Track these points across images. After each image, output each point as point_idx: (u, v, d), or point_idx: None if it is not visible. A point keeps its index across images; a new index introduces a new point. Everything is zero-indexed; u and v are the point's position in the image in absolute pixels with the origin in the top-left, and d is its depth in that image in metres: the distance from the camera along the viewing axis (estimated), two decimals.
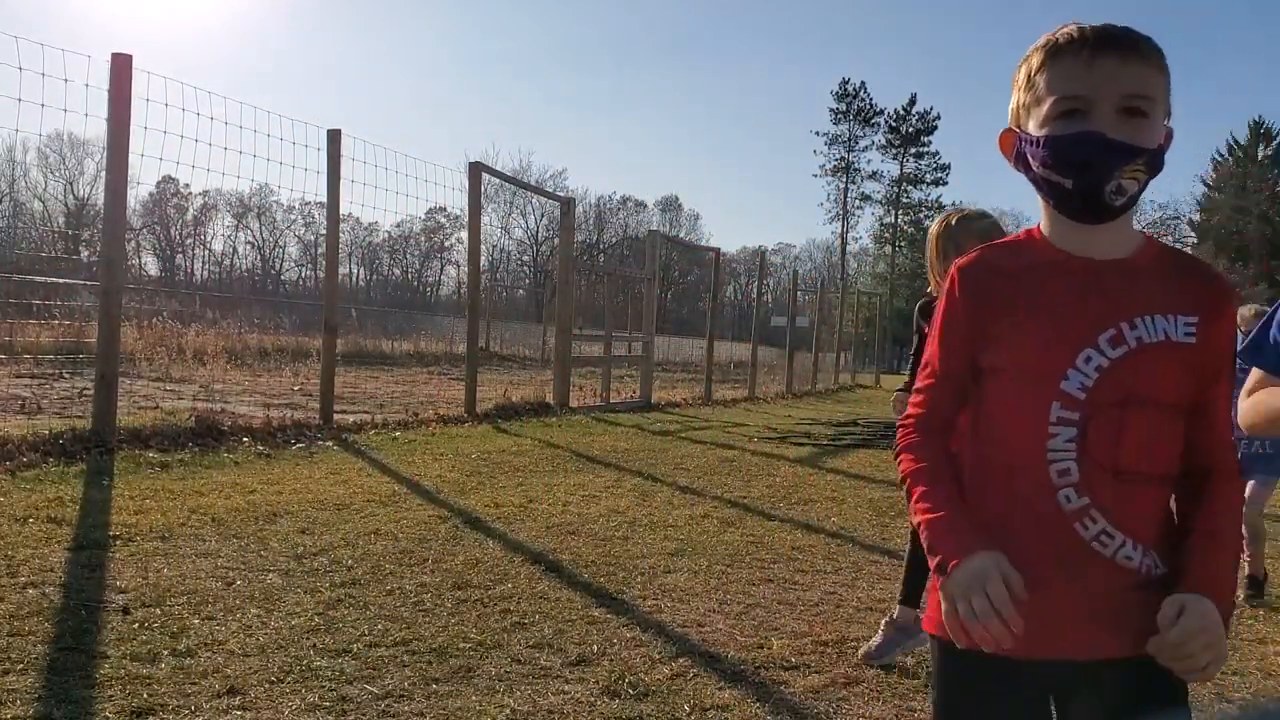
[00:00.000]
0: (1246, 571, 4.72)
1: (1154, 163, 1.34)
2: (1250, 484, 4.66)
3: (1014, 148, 1.41)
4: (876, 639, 3.46)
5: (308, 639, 3.29)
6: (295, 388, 12.64)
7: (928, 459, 1.44)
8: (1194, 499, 1.40)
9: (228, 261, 72.49)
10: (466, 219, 11.24)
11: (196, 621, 3.38)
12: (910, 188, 71.85)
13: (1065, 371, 1.34)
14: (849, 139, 71.37)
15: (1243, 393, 1.77)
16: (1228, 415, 1.44)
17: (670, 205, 78.87)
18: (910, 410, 1.51)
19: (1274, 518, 5.81)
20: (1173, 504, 1.41)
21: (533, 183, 44.35)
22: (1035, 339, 1.37)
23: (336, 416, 8.92)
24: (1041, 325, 1.37)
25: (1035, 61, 1.36)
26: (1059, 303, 1.37)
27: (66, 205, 60.55)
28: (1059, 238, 1.40)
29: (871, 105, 71.25)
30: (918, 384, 1.51)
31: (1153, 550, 1.35)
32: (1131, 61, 1.31)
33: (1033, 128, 1.37)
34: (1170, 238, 65.00)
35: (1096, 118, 1.31)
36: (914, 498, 1.42)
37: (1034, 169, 1.37)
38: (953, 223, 3.50)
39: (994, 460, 1.40)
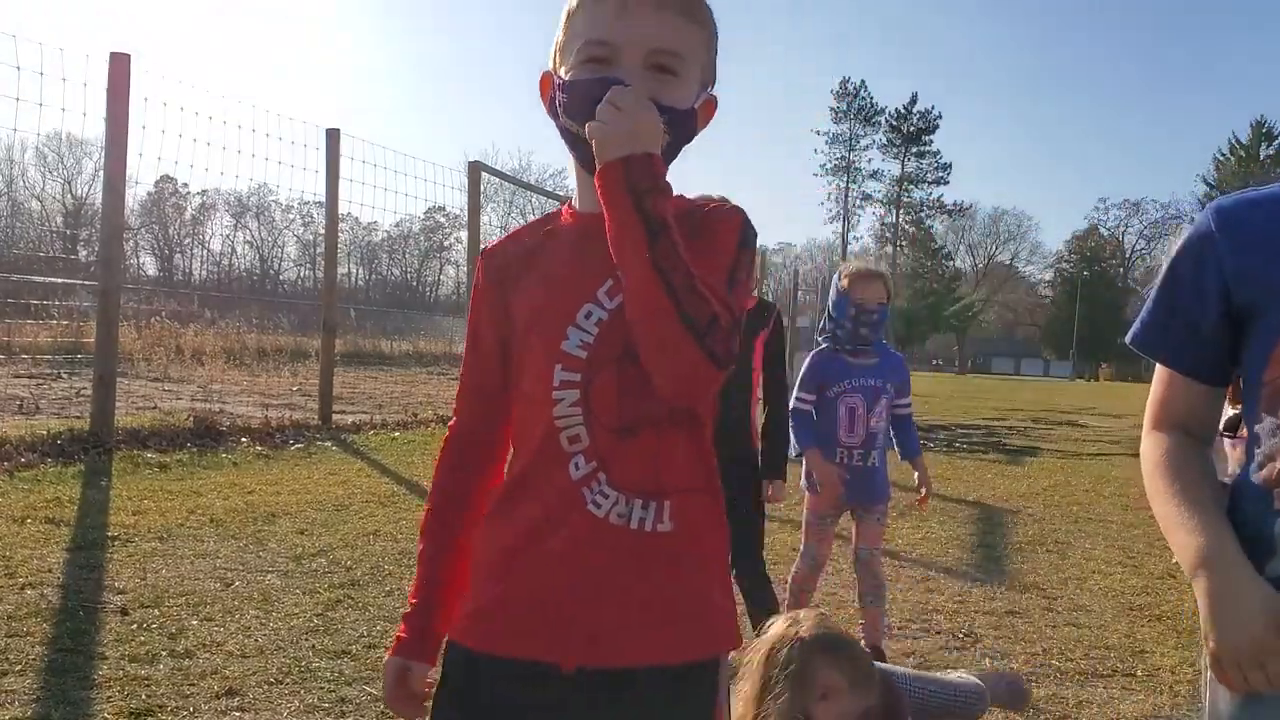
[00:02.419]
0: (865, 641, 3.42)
1: (680, 124, 1.24)
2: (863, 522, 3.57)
3: (550, 92, 1.29)
4: None
5: (306, 640, 3.28)
6: (294, 388, 12.62)
7: (428, 540, 1.42)
8: None
9: (226, 261, 72.46)
10: (466, 219, 11.23)
11: (195, 622, 3.37)
12: (911, 187, 71.88)
13: (565, 331, 1.25)
14: (850, 138, 71.42)
15: (1150, 405, 1.37)
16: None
17: None
18: (449, 430, 1.42)
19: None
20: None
21: (532, 182, 44.32)
22: (536, 303, 1.29)
23: (335, 417, 8.90)
24: (541, 288, 1.29)
25: (574, 0, 1.26)
26: (560, 262, 1.29)
27: (64, 205, 60.51)
28: (581, 199, 1.31)
29: (872, 104, 71.33)
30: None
31: (656, 502, 1.23)
32: (666, 14, 1.21)
33: (564, 71, 1.26)
34: (1172, 238, 64.95)
35: (621, 69, 1.20)
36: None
37: (559, 116, 1.26)
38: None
39: (523, 440, 1.31)
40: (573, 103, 1.23)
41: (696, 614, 1.25)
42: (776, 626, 2.18)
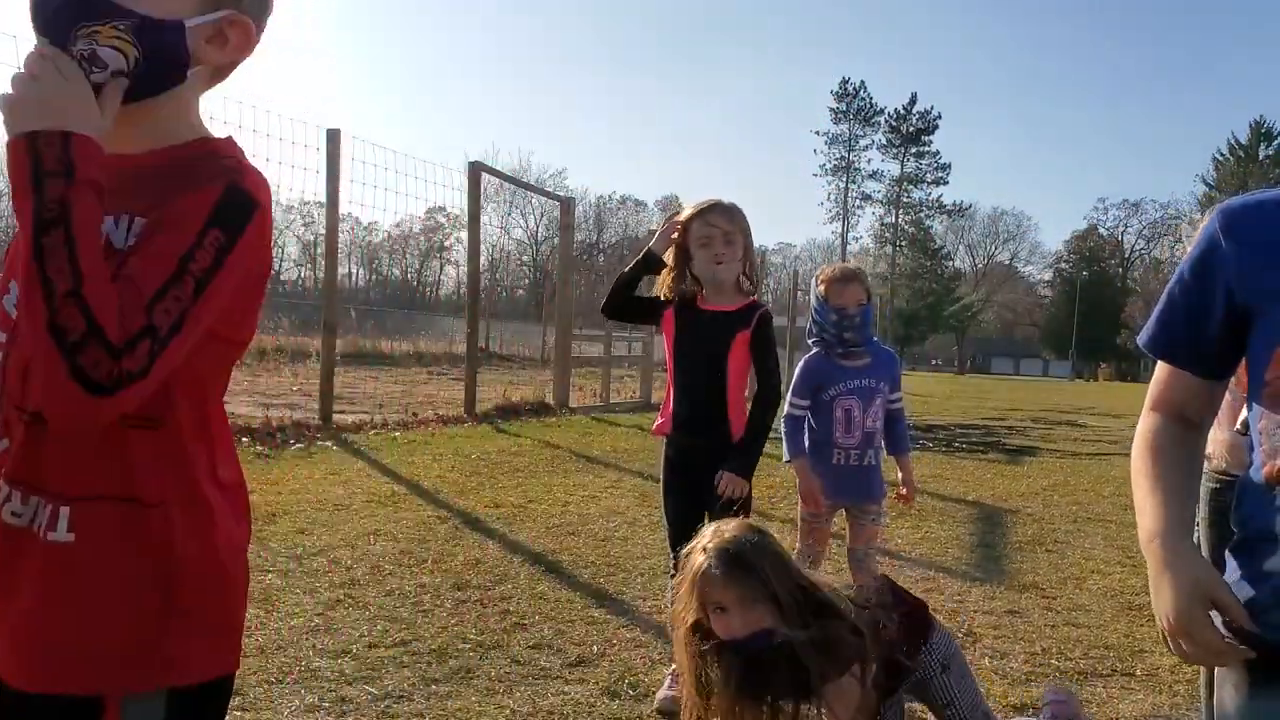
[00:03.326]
0: None
1: (145, 34, 1.06)
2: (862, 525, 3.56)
3: None
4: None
5: (307, 639, 3.28)
6: (294, 388, 12.63)
7: None
8: None
9: None
10: (466, 219, 11.23)
11: None
12: (911, 187, 71.86)
13: (9, 284, 1.11)
14: (849, 138, 71.43)
15: (1151, 386, 1.39)
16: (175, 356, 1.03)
17: (670, 205, 78.78)
18: None
19: None
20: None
21: (532, 182, 44.34)
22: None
23: (336, 416, 8.91)
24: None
25: None
26: None
27: None
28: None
29: (872, 105, 71.32)
30: None
31: (53, 507, 1.07)
32: None
33: None
34: (1172, 238, 65.11)
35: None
36: None
37: None
38: None
39: None
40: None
41: (77, 643, 1.07)
42: (693, 557, 2.13)
